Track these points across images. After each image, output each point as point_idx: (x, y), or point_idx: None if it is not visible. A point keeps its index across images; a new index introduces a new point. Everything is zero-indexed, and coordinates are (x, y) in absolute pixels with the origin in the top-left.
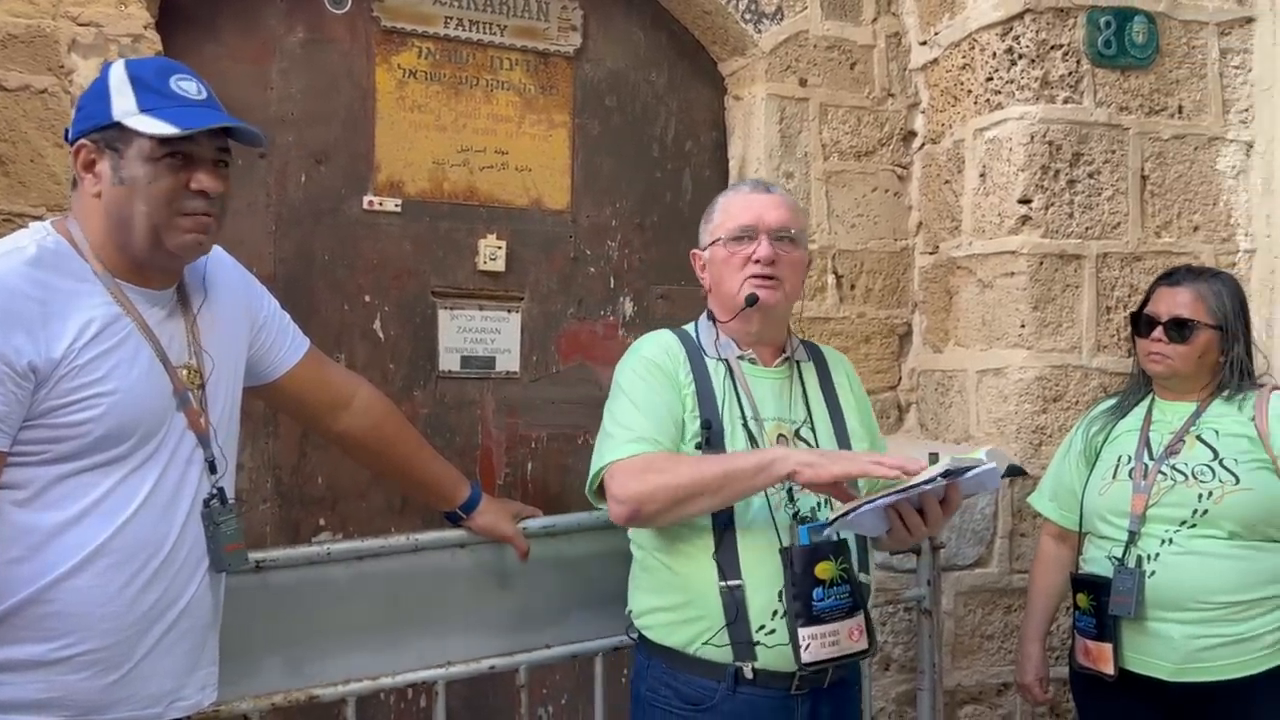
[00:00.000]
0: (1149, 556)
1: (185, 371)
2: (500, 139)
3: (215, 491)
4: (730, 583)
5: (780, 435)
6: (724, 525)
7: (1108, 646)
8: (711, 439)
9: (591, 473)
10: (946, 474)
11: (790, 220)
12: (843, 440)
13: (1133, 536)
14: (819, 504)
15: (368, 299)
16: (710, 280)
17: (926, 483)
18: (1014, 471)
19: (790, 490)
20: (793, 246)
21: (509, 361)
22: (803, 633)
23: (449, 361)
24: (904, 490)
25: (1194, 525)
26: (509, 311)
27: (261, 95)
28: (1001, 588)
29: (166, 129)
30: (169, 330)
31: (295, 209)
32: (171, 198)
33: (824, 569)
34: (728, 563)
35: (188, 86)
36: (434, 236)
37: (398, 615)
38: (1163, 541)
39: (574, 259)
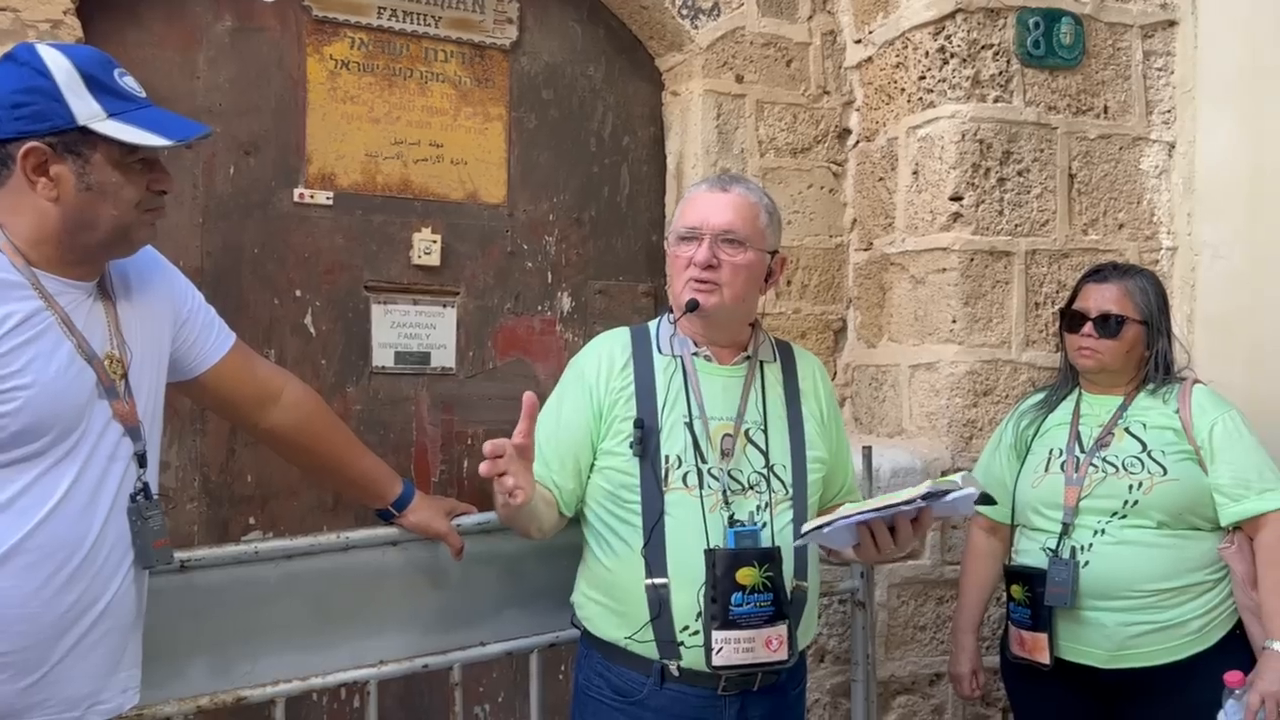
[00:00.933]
0: (1082, 547)
1: (108, 361)
2: (435, 131)
3: (142, 486)
4: (656, 581)
5: (725, 435)
6: (654, 522)
7: (1043, 636)
8: (644, 439)
9: None
10: (926, 496)
11: (737, 223)
12: (797, 446)
13: (1066, 528)
14: (756, 509)
15: (298, 293)
16: (668, 277)
17: (906, 503)
18: (985, 500)
19: (725, 493)
20: (738, 250)
21: (444, 357)
22: (716, 635)
23: (382, 357)
24: (880, 510)
25: (1125, 516)
26: (444, 306)
27: (188, 84)
28: (934, 579)
29: (154, 139)
30: (90, 322)
31: (223, 201)
32: (139, 201)
33: (746, 574)
34: (655, 560)
35: (131, 83)
36: (367, 230)
37: (328, 614)
38: (1095, 532)
39: (511, 253)
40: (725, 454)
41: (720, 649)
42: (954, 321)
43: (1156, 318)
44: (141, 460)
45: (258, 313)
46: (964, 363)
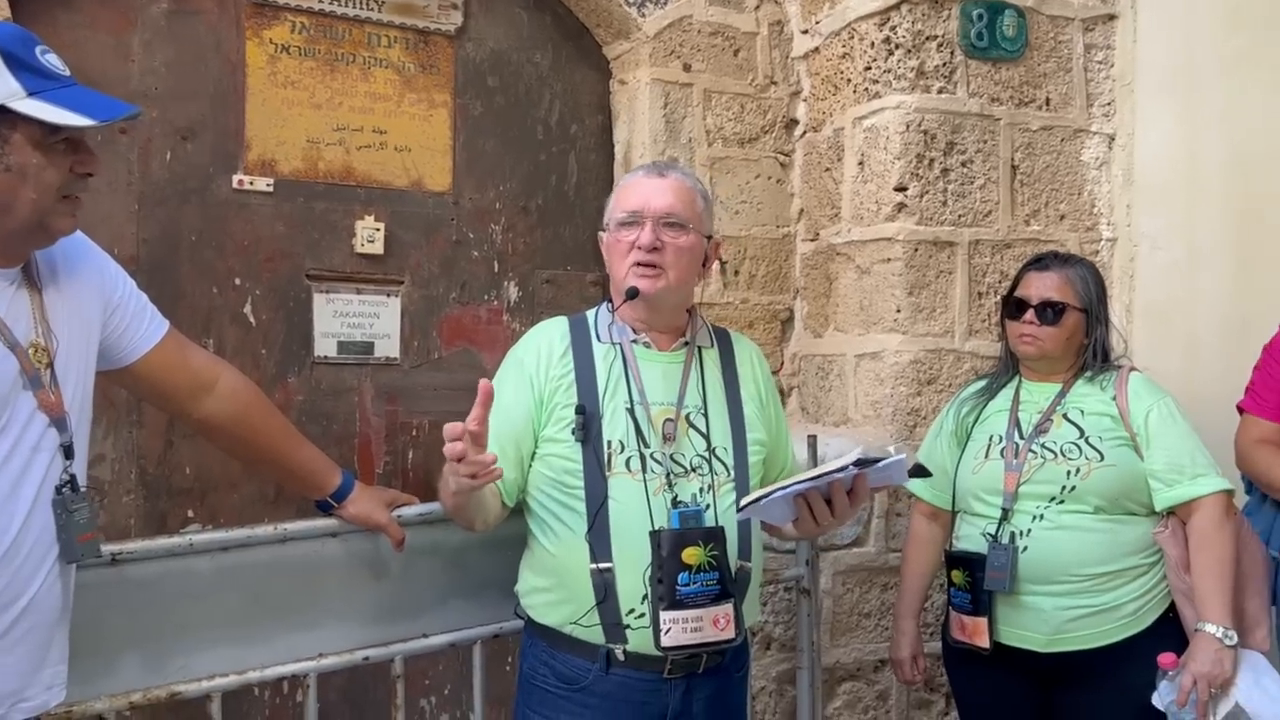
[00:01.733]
0: (1021, 532)
1: (32, 350)
2: (378, 118)
3: (68, 478)
4: (600, 565)
5: (667, 420)
6: (598, 507)
7: (983, 621)
8: (586, 425)
9: None
10: (858, 463)
11: (678, 206)
12: (737, 428)
13: (1006, 513)
14: (699, 491)
15: (238, 282)
16: (607, 265)
17: (838, 470)
18: (919, 472)
19: (669, 475)
20: (680, 232)
21: (388, 347)
22: (664, 616)
23: (325, 347)
24: (815, 478)
25: (1063, 501)
26: (388, 296)
27: (122, 67)
28: (878, 566)
29: (77, 119)
30: (13, 310)
31: (160, 188)
32: (61, 184)
33: (691, 554)
34: (599, 545)
35: (54, 60)
36: (308, 217)
37: (266, 607)
38: (1034, 517)
39: (456, 242)
40: (667, 438)
41: (669, 629)
42: (898, 311)
43: (1096, 306)
44: (68, 452)
45: (196, 301)
46: (908, 352)
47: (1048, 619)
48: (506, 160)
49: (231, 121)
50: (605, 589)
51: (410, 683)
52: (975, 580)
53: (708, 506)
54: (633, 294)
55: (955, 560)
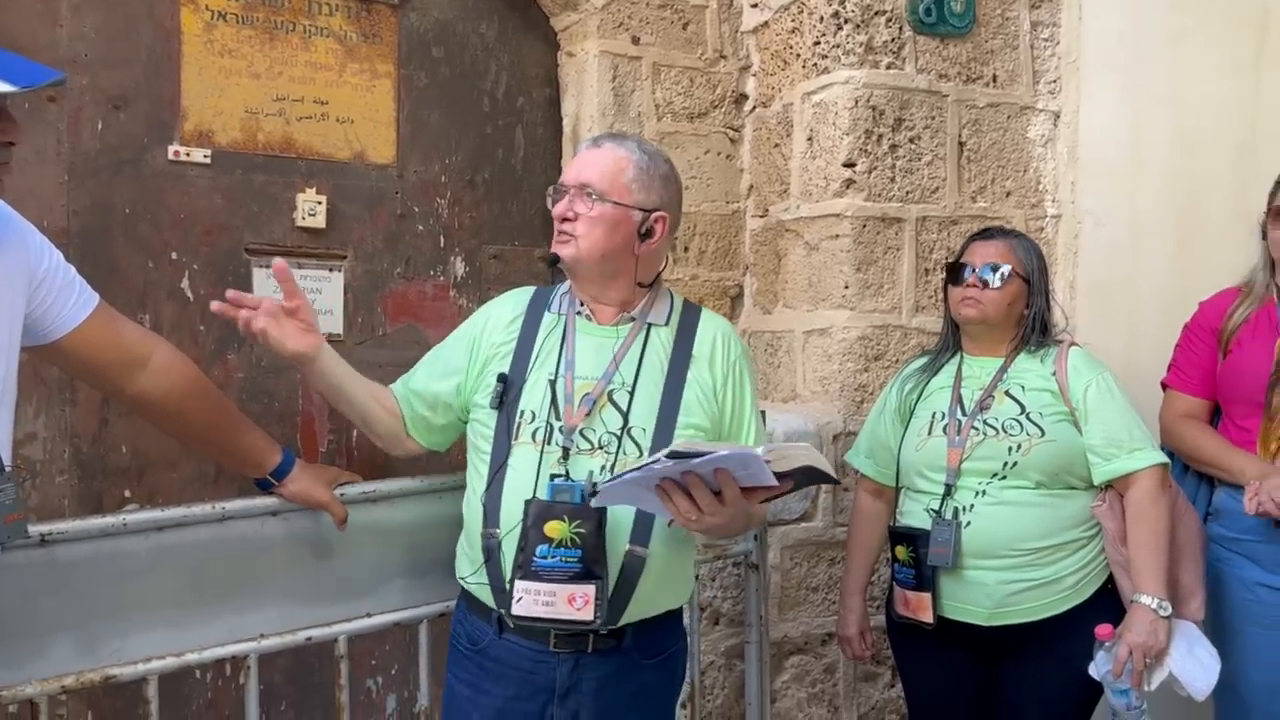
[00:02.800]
0: (964, 508)
1: None
2: (319, 88)
3: None
4: (490, 529)
5: (585, 394)
6: (496, 471)
7: (926, 596)
8: (505, 393)
9: None
10: (673, 454)
11: (595, 176)
12: (667, 410)
13: (949, 489)
14: (599, 468)
15: (174, 256)
16: None
17: (653, 462)
18: (815, 478)
19: (566, 450)
20: (594, 202)
21: (331, 323)
22: (519, 585)
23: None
24: (639, 468)
25: (1004, 477)
26: (331, 271)
27: (49, 32)
28: (826, 541)
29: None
30: None
31: (91, 158)
32: None
33: (554, 528)
34: (491, 510)
35: None
36: (248, 190)
37: (205, 588)
38: (977, 493)
39: (401, 216)
40: (584, 413)
41: (520, 598)
42: (846, 287)
43: (1037, 278)
44: None
45: (130, 276)
46: (856, 328)
47: (991, 593)
48: (452, 133)
49: (166, 90)
50: (490, 553)
51: (356, 663)
52: (919, 556)
53: (596, 484)
54: (552, 260)
55: (899, 536)
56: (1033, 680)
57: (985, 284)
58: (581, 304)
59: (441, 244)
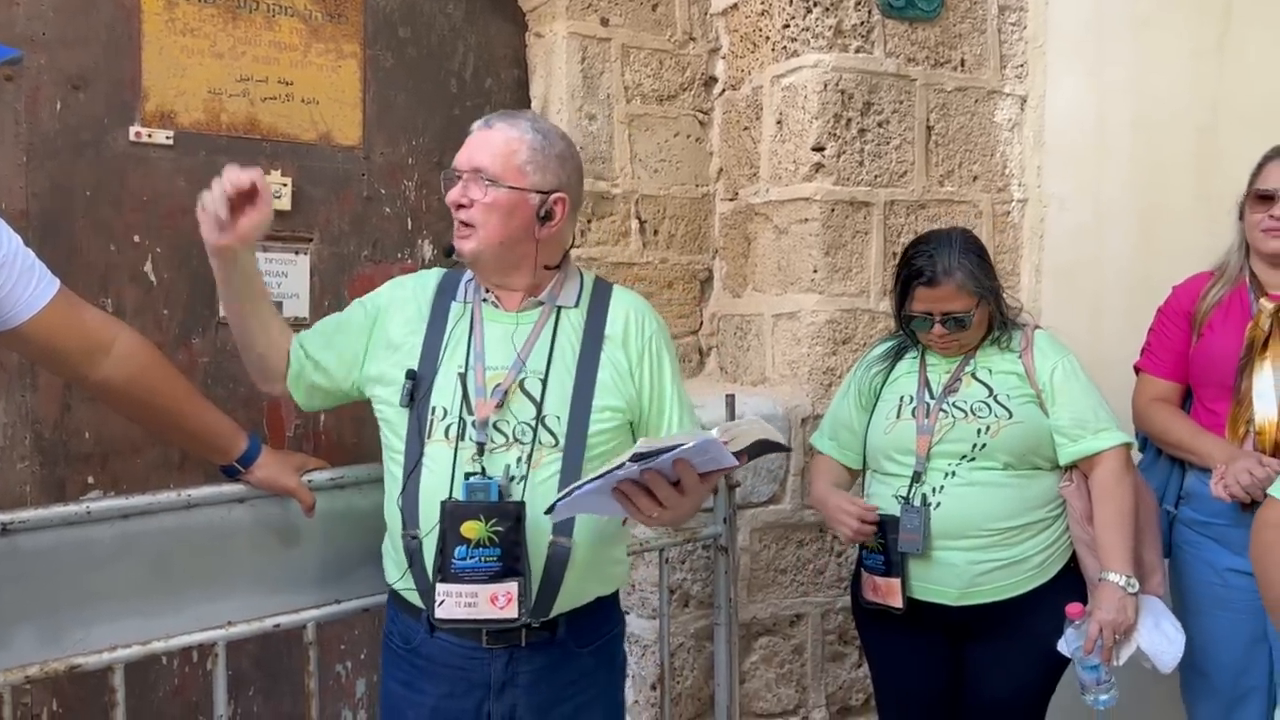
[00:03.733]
0: (934, 490)
1: None
2: (284, 68)
3: None
4: (410, 532)
5: (496, 385)
6: (410, 472)
7: (896, 582)
8: (415, 390)
9: None
10: (636, 457)
11: (487, 160)
12: (582, 395)
13: (917, 475)
14: (515, 461)
15: (137, 239)
16: None
17: (617, 468)
18: (768, 448)
19: (482, 445)
20: (486, 188)
21: (297, 306)
22: (440, 588)
23: None
24: (598, 477)
25: (973, 459)
26: (296, 254)
27: (5, 11)
28: (794, 523)
29: None
30: None
31: (50, 139)
32: None
33: (471, 528)
34: (409, 511)
35: None
36: (211, 172)
37: (171, 576)
38: (946, 475)
39: (367, 198)
40: (496, 405)
41: (443, 601)
42: (815, 271)
43: (988, 287)
44: None
45: (92, 259)
46: (824, 312)
47: (960, 573)
48: (419, 114)
49: (127, 70)
50: (412, 556)
51: (325, 648)
52: (888, 542)
53: (520, 479)
54: (449, 252)
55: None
56: (999, 659)
57: (953, 329)
58: (487, 291)
59: (409, 227)
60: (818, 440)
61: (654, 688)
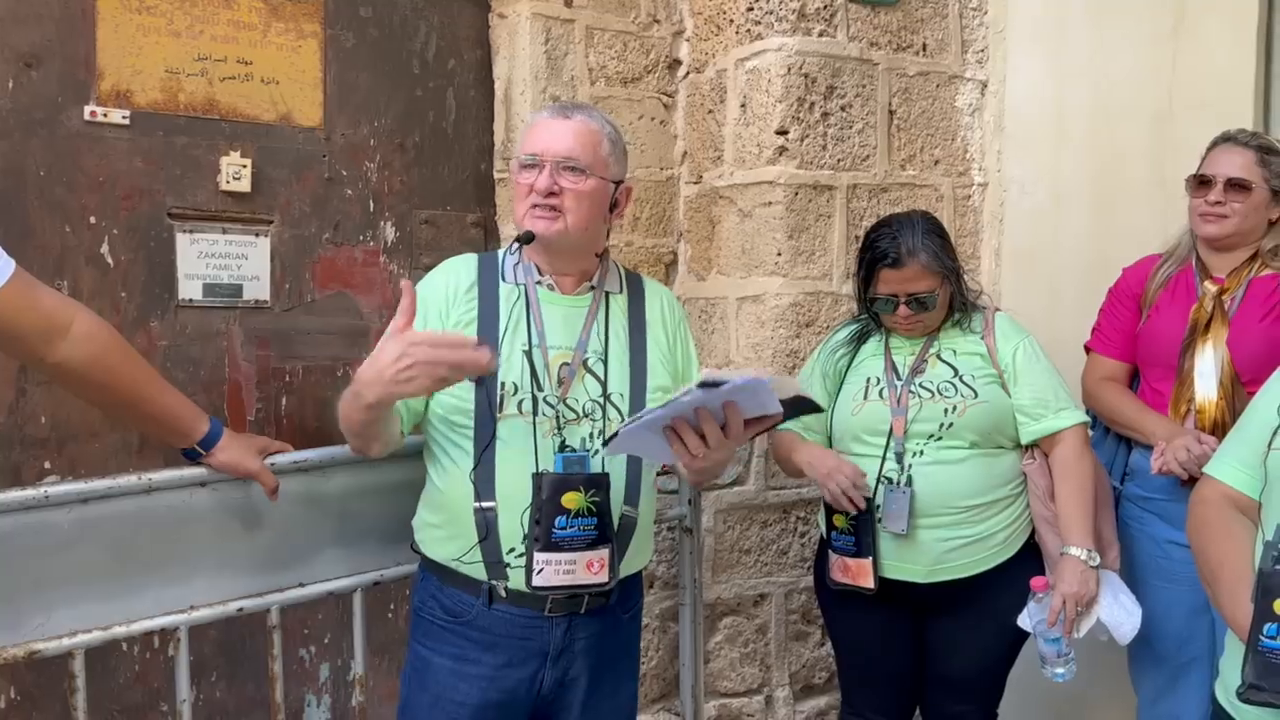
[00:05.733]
0: (904, 468)
1: None
2: (243, 48)
3: None
4: (484, 504)
5: (564, 364)
6: (484, 446)
7: (867, 562)
8: None
9: None
10: (702, 385)
11: (578, 149)
12: (638, 374)
13: (899, 457)
14: (589, 435)
15: (93, 220)
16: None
17: (685, 394)
18: (805, 405)
19: (559, 419)
20: (579, 177)
21: (258, 289)
22: (538, 556)
23: (190, 289)
24: (666, 405)
25: (940, 439)
26: (257, 236)
27: None
28: (758, 504)
29: None
30: None
31: (2, 119)
32: None
33: (571, 499)
34: (483, 484)
35: None
36: (169, 153)
37: (132, 560)
38: (914, 454)
39: (329, 180)
40: (562, 382)
41: (541, 570)
42: (779, 254)
43: (951, 267)
44: None
45: (47, 241)
46: (788, 295)
47: (928, 550)
48: (381, 95)
49: (81, 48)
50: (487, 528)
51: (289, 633)
52: (858, 522)
53: (595, 453)
54: (528, 238)
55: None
56: (963, 634)
57: (918, 310)
58: (541, 274)
59: (371, 209)
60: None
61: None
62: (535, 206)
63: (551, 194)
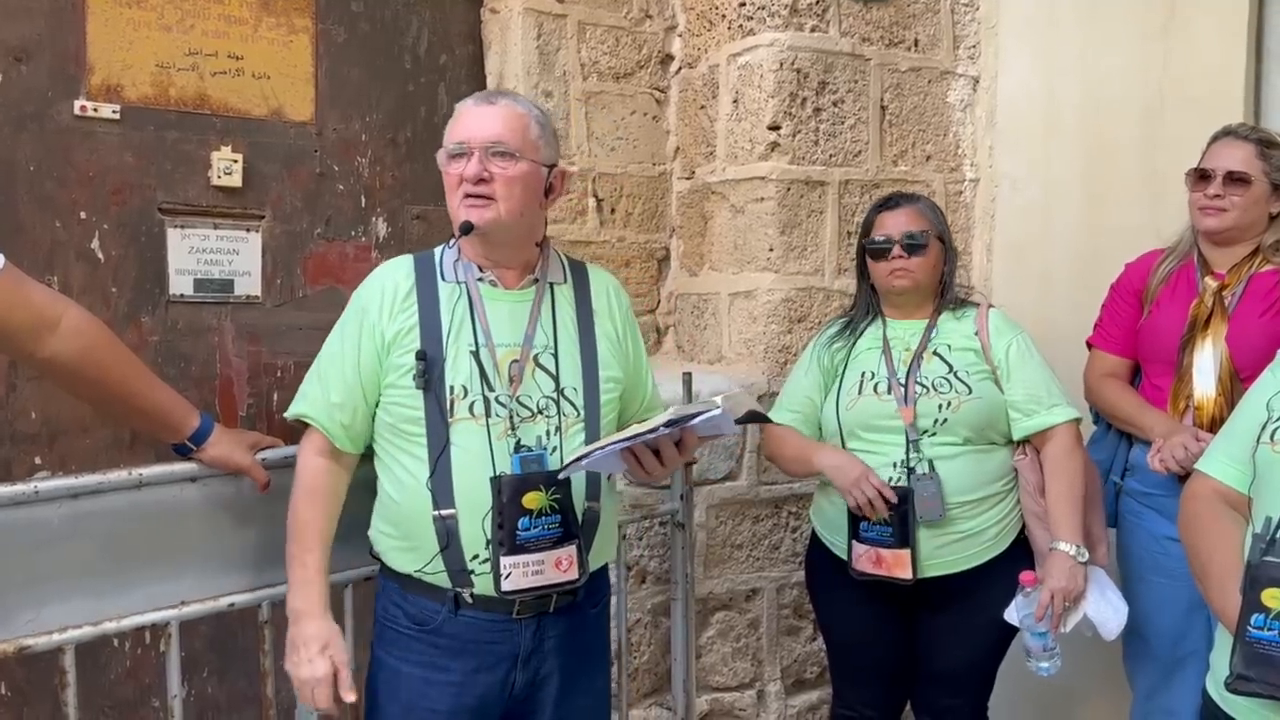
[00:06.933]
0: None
1: None
2: (234, 42)
3: None
4: (443, 512)
5: (513, 361)
6: (439, 453)
7: (906, 553)
8: (428, 370)
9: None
10: (669, 424)
11: (506, 133)
12: (589, 367)
13: (914, 444)
14: (545, 432)
15: (83, 215)
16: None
17: (649, 431)
18: (755, 418)
19: (513, 419)
20: (510, 161)
21: (249, 285)
22: (504, 561)
23: (180, 285)
24: (630, 438)
25: (935, 434)
26: (248, 231)
27: None
28: (750, 499)
29: None
30: None
31: None
32: None
33: (532, 499)
34: (441, 491)
35: None
36: (160, 147)
37: (123, 556)
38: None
39: (320, 175)
40: (513, 380)
41: (509, 574)
42: (771, 250)
43: (947, 234)
44: None
45: (37, 236)
46: (780, 290)
47: (920, 546)
48: (372, 90)
49: (71, 43)
50: (448, 536)
51: (279, 628)
52: (897, 513)
53: (554, 449)
54: (466, 228)
55: None
56: (954, 629)
57: (910, 253)
58: (482, 270)
59: (363, 204)
60: (776, 414)
61: (611, 663)
62: (467, 197)
63: (482, 181)
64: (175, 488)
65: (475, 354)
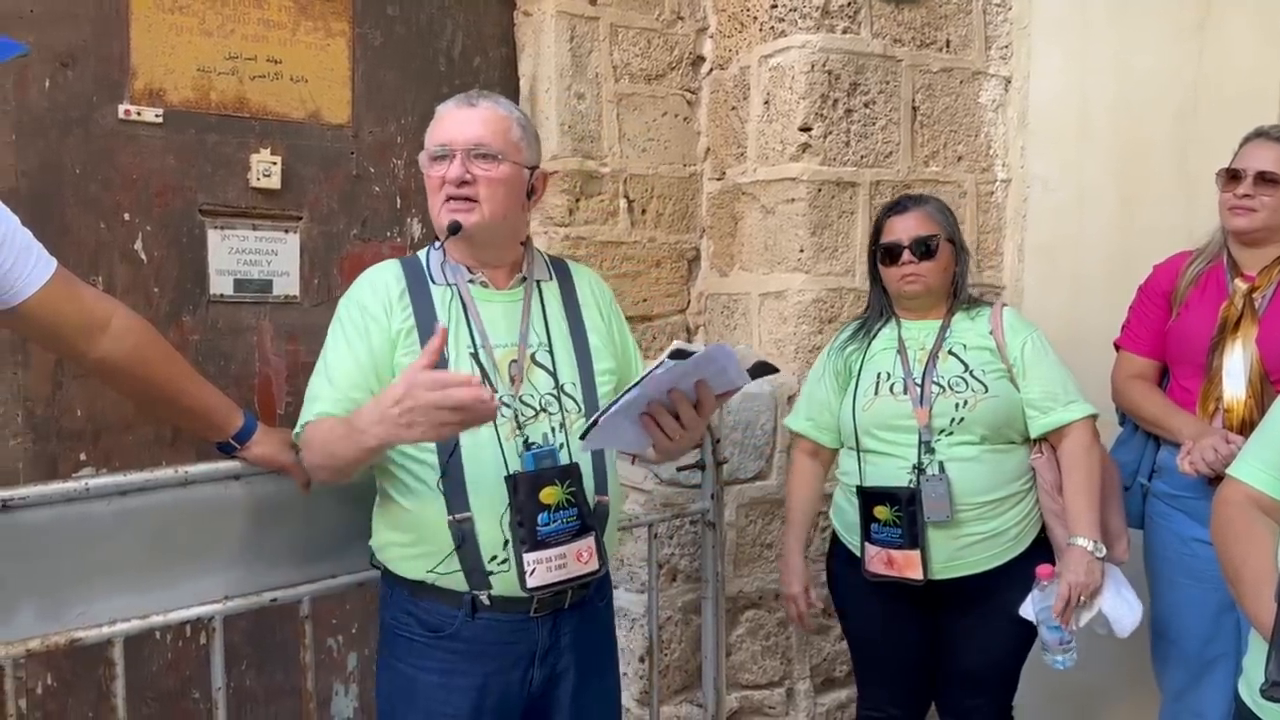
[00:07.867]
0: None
1: None
2: (273, 46)
3: None
4: (458, 516)
5: (512, 361)
6: (449, 454)
7: (916, 554)
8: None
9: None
10: (673, 355)
11: (488, 135)
12: (584, 361)
13: (927, 445)
14: (551, 429)
15: (127, 217)
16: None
17: (657, 367)
18: (764, 369)
19: (518, 416)
20: (492, 163)
21: (288, 285)
22: (528, 558)
23: (221, 285)
24: (640, 383)
25: (951, 433)
26: (286, 232)
27: None
28: (780, 499)
29: None
30: None
31: (39, 117)
32: None
33: (549, 494)
34: (454, 495)
35: None
36: (201, 150)
37: (168, 551)
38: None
39: (356, 177)
40: (514, 380)
41: (534, 570)
42: (801, 251)
43: (958, 235)
44: None
45: (82, 237)
46: (810, 291)
47: (941, 547)
48: (408, 93)
49: (115, 48)
50: (464, 538)
51: (317, 622)
52: (905, 514)
53: (561, 445)
54: (454, 229)
55: (877, 496)
56: (977, 629)
57: (921, 257)
58: (472, 272)
59: (398, 205)
60: (793, 422)
61: (642, 660)
62: (450, 199)
63: (465, 183)
64: (220, 485)
65: (475, 356)
